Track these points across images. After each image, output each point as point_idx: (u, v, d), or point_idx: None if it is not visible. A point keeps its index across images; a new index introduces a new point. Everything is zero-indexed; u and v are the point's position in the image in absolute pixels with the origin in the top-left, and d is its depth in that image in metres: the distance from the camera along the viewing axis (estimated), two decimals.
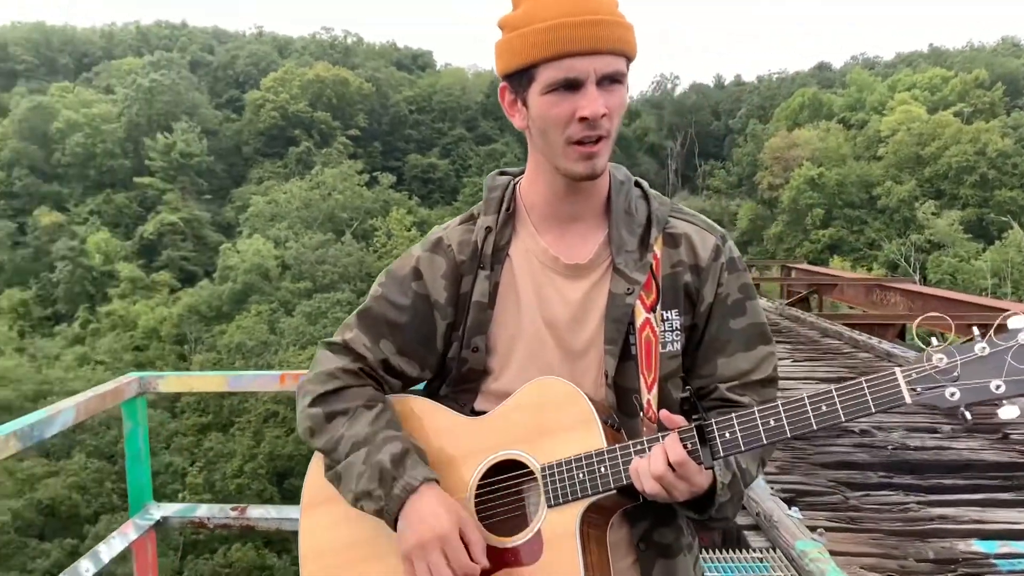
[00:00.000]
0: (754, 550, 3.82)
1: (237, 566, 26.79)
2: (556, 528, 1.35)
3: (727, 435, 1.28)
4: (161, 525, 3.03)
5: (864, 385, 1.22)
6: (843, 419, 1.23)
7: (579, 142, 1.35)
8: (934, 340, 1.23)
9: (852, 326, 10.52)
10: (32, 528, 28.79)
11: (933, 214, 50.82)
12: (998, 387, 1.16)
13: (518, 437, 1.39)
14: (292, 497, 18.73)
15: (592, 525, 1.37)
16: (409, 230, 53.57)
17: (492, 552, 1.38)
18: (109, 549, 2.80)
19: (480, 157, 69.20)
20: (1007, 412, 1.18)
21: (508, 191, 1.52)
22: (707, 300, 1.47)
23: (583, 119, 1.32)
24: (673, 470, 1.27)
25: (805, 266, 20.27)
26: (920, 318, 1.33)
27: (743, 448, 1.28)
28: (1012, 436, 5.54)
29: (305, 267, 49.94)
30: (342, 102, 70.99)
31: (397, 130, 73.78)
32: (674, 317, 1.46)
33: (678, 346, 1.47)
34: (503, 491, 1.42)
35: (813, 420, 1.24)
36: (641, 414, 1.42)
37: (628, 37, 1.35)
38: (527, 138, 1.45)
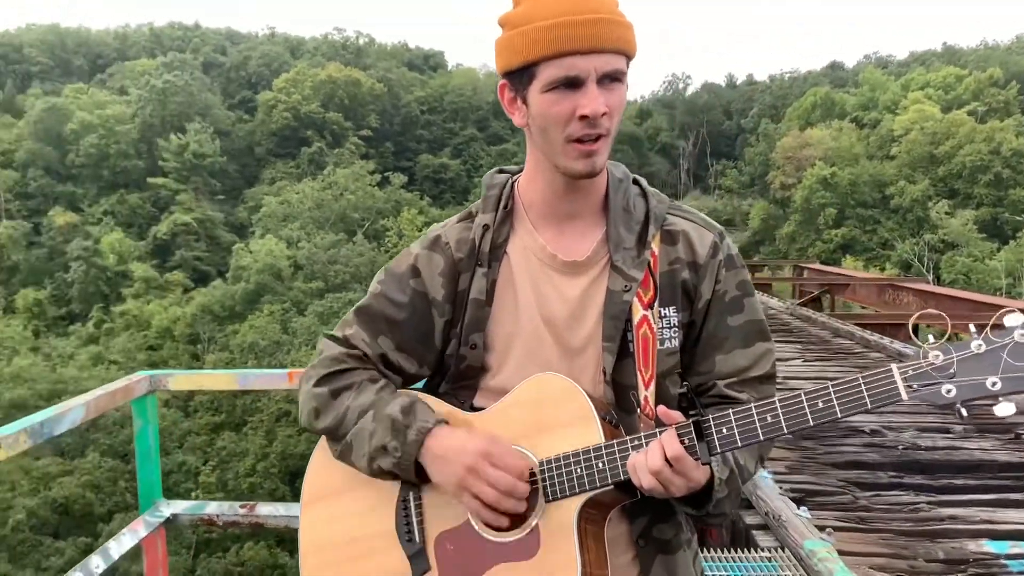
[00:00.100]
0: (763, 549, 3.82)
1: (249, 565, 26.91)
2: (553, 523, 1.36)
3: (724, 431, 1.28)
4: (171, 522, 3.05)
5: (860, 382, 1.22)
6: (840, 415, 1.23)
7: (579, 140, 1.35)
8: (930, 338, 1.23)
9: (864, 326, 10.45)
10: (47, 526, 29.02)
11: (947, 214, 50.48)
12: (994, 384, 1.16)
13: (517, 433, 1.40)
14: None
15: (590, 520, 1.37)
16: (420, 230, 53.53)
17: (489, 547, 1.39)
18: (119, 546, 2.83)
19: (491, 157, 69.24)
20: (1003, 409, 1.18)
21: (506, 189, 1.53)
22: (705, 297, 1.47)
23: (583, 117, 1.33)
24: (670, 465, 1.27)
25: (817, 266, 20.21)
26: (916, 315, 1.32)
27: (740, 444, 1.28)
28: None
29: (317, 267, 50.13)
30: (354, 103, 71.24)
31: (409, 130, 73.99)
32: (672, 314, 1.46)
33: (676, 343, 1.47)
34: None
35: (810, 416, 1.24)
36: (639, 410, 1.42)
37: (628, 36, 1.36)
38: (526, 136, 1.46)
